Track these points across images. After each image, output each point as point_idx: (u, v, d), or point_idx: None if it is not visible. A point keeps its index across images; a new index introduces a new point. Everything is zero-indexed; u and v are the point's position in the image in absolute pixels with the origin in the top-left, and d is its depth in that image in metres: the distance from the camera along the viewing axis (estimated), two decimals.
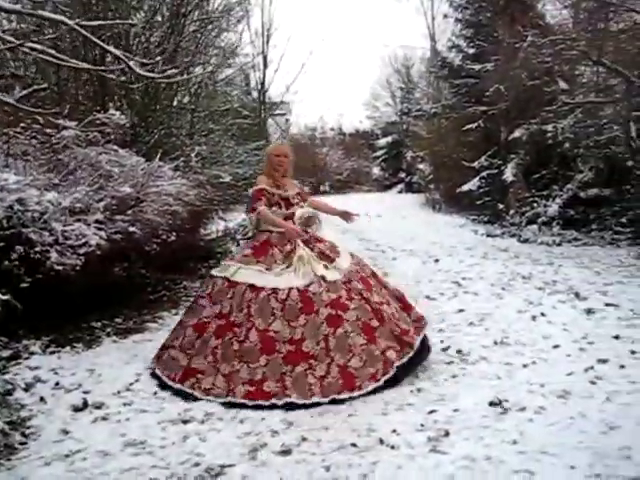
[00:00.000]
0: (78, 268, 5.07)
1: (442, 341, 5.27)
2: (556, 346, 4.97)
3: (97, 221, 5.52)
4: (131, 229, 5.50)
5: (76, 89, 8.36)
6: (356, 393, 4.10)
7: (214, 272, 4.69)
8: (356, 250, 10.68)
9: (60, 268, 4.92)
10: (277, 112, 30.26)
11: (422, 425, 3.65)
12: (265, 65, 10.39)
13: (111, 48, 4.85)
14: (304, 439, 3.58)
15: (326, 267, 4.54)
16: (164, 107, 8.22)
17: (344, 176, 29.33)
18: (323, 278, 4.43)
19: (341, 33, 49.71)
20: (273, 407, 4.00)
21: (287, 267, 4.51)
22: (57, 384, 4.35)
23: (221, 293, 4.45)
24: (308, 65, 29.99)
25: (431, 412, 3.82)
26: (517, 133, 12.85)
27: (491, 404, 3.87)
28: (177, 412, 3.94)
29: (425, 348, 4.63)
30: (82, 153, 5.80)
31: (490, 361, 4.73)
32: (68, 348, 5.14)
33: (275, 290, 4.34)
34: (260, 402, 4.02)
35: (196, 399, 4.12)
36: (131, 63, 4.55)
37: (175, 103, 8.66)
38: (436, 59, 21.73)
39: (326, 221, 5.75)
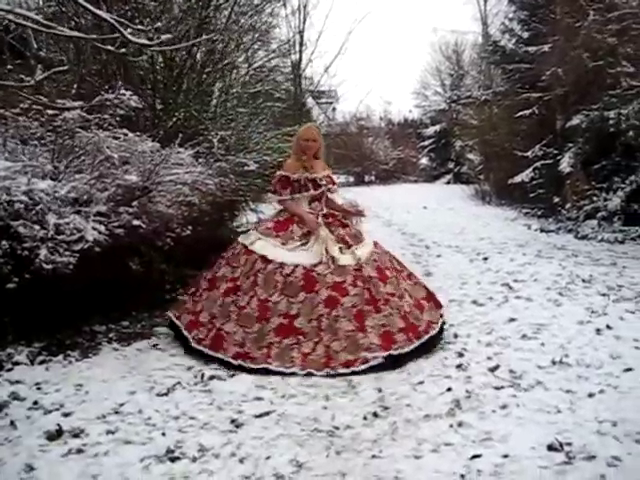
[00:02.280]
0: (72, 267, 4.45)
1: (490, 358, 4.51)
2: (628, 369, 4.13)
3: (99, 213, 4.90)
4: (135, 222, 4.86)
5: (98, 70, 7.79)
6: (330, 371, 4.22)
7: (240, 238, 5.03)
8: (398, 245, 10.01)
9: (49, 267, 4.30)
10: (323, 100, 29.51)
11: (462, 477, 2.91)
12: (301, 44, 9.56)
13: (101, 13, 4.22)
14: None
15: (341, 250, 4.68)
16: (188, 90, 7.57)
17: (390, 166, 28.39)
18: (333, 260, 4.58)
19: (387, 17, 48.13)
20: (251, 371, 4.24)
21: (303, 244, 4.71)
22: (35, 403, 3.73)
23: (236, 258, 4.80)
24: (350, 48, 28.34)
25: (474, 457, 3.07)
26: (575, 120, 11.80)
27: (550, 448, 3.11)
28: (167, 445, 3.27)
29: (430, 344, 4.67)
30: (85, 137, 5.17)
31: (548, 387, 3.93)
32: (60, 357, 4.52)
33: (282, 265, 4.57)
34: (243, 363, 4.29)
35: (188, 347, 4.61)
36: (128, 31, 3.91)
37: (203, 87, 7.99)
38: (487, 44, 20.70)
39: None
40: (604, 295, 6.13)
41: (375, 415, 3.64)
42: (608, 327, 5.06)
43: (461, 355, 4.61)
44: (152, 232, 5.18)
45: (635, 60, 10.58)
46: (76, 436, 3.38)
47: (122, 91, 5.66)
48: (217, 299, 4.66)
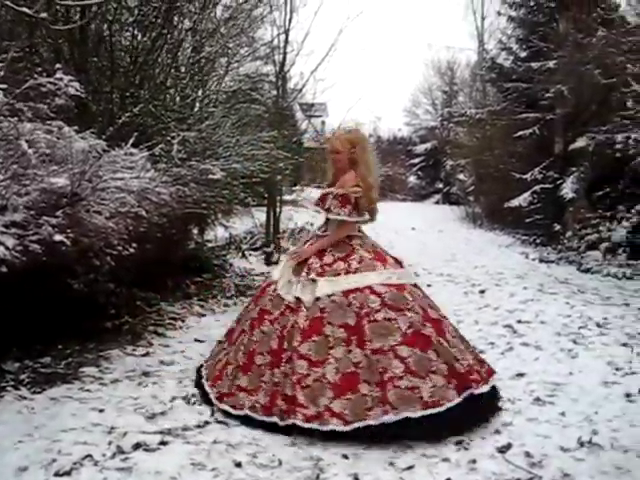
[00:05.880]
0: None
1: (498, 431, 3.52)
2: None
3: (15, 224, 3.90)
4: (57, 237, 3.84)
5: (54, 53, 6.82)
6: None
7: None
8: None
9: None
10: (311, 113, 28.56)
11: None
12: (286, 42, 8.52)
13: None
14: None
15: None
16: (154, 83, 6.59)
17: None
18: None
19: (383, 34, 47.58)
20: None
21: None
22: None
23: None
24: (339, 56, 26.60)
25: None
26: (580, 142, 10.96)
27: None
28: None
29: None
30: (6, 127, 4.17)
31: None
32: None
33: None
34: None
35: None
36: None
37: (171, 81, 7.01)
38: (484, 61, 20.01)
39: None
40: (625, 345, 5.18)
41: None
42: None
43: None
44: (80, 251, 4.16)
45: None
46: None
47: (59, 75, 4.69)
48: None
